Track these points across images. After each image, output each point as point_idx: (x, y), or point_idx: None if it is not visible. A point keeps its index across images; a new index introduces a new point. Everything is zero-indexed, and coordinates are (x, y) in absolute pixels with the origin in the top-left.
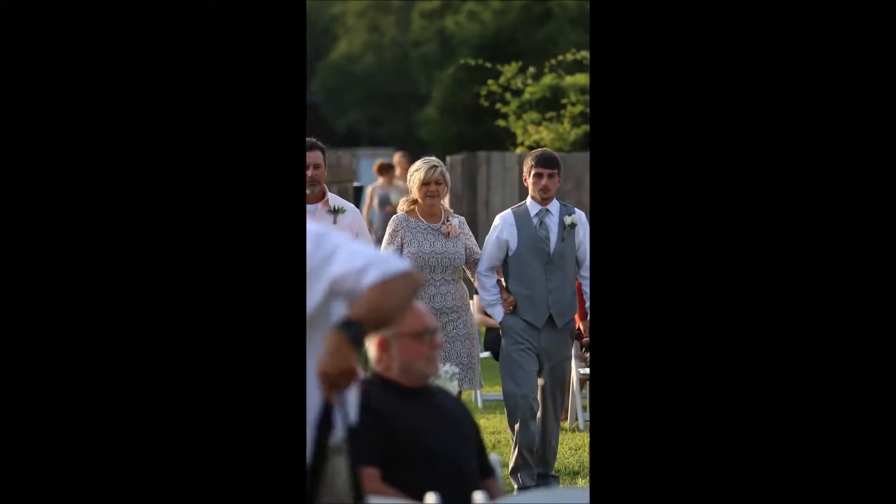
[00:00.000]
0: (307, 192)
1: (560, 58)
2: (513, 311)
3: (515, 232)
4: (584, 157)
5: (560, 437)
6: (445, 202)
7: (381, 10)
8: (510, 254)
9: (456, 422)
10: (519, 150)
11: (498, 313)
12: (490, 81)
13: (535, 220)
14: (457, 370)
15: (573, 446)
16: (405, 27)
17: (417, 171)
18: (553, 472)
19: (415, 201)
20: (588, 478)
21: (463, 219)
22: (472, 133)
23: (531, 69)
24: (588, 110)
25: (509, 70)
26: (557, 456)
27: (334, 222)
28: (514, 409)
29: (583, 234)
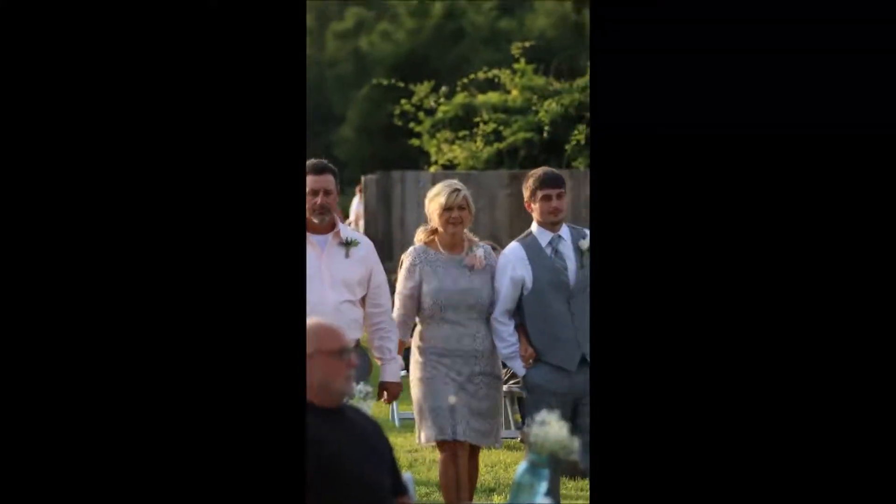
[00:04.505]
0: (316, 220)
1: (472, 76)
2: (533, 362)
3: (529, 267)
4: (496, 175)
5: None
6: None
7: None
8: (525, 292)
9: (370, 440)
10: (433, 169)
11: (519, 367)
12: (403, 101)
13: (549, 250)
14: (370, 389)
15: (488, 463)
16: (320, 47)
17: (437, 196)
18: None
19: (434, 230)
20: (503, 495)
21: (489, 247)
22: (387, 152)
23: (444, 88)
24: (500, 128)
25: (422, 89)
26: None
27: (346, 256)
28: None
29: None
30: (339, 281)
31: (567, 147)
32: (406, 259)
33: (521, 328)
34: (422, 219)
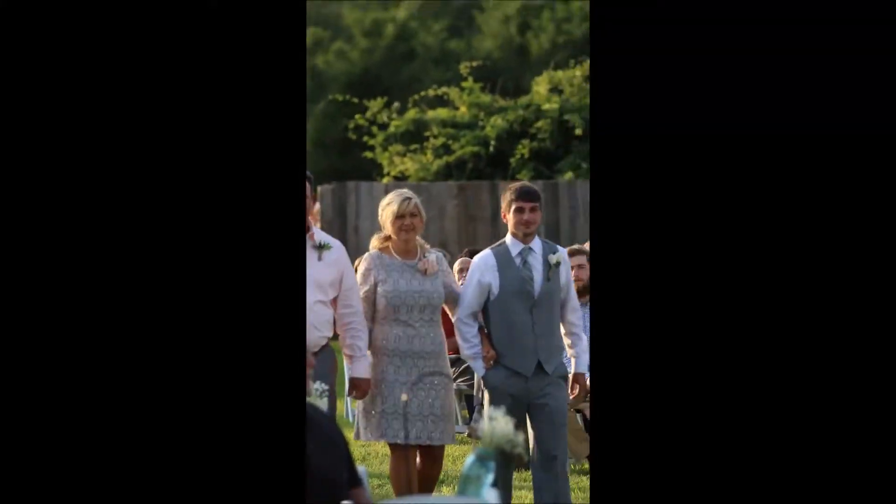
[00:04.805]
0: None
1: (423, 93)
2: (493, 363)
3: (497, 274)
4: (445, 186)
5: None
6: (376, 232)
7: None
8: (492, 298)
9: (328, 435)
10: (385, 181)
11: (479, 368)
12: (358, 116)
13: (518, 260)
14: (327, 387)
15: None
16: None
17: (390, 205)
18: None
19: (388, 237)
20: (452, 486)
21: (441, 254)
22: (342, 164)
23: (396, 104)
24: (449, 142)
25: (375, 105)
26: None
27: (319, 259)
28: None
29: (566, 273)
30: (312, 282)
31: (512, 160)
32: (361, 264)
33: (483, 331)
34: (376, 227)
